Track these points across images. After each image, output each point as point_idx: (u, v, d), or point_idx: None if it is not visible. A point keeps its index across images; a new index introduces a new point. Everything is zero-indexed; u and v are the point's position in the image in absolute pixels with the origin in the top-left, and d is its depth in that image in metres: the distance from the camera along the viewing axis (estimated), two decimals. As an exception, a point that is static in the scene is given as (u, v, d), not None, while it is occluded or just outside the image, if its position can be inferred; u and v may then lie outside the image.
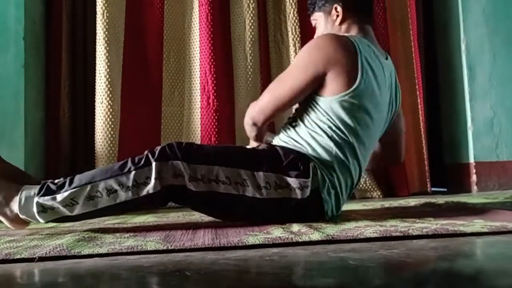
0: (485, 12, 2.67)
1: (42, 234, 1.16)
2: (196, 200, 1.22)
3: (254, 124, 1.38)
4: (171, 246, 0.90)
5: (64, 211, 1.15)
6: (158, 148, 1.20)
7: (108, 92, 2.18)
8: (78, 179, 1.17)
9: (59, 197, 1.14)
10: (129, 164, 1.17)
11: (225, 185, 1.18)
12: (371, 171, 2.44)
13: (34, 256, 0.83)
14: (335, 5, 1.41)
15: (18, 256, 0.84)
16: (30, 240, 1.05)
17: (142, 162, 1.17)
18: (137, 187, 1.15)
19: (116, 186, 1.15)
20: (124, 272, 0.72)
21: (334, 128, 1.28)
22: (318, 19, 1.46)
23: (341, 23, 1.41)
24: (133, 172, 1.15)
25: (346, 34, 1.36)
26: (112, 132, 2.18)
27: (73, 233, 1.15)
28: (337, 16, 1.41)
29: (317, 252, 0.83)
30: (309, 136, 1.30)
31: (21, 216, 1.17)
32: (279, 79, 1.38)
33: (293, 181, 1.21)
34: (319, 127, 1.29)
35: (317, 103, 1.30)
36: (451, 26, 2.76)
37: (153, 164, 1.16)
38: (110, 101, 2.18)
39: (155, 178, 1.15)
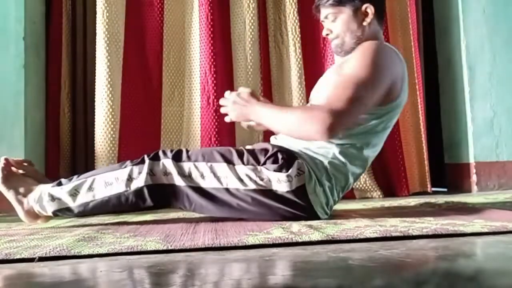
0: (485, 12, 2.66)
1: (42, 234, 1.16)
2: (189, 198, 1.27)
3: (331, 131, 1.19)
4: (171, 246, 0.90)
5: (68, 200, 1.29)
6: (155, 152, 1.33)
7: (108, 92, 2.18)
8: (84, 174, 1.34)
9: (66, 187, 1.30)
10: (127, 162, 1.31)
11: (209, 180, 1.26)
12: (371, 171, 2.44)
13: (34, 256, 0.84)
14: (368, 4, 1.36)
15: (18, 256, 0.84)
16: (30, 240, 1.05)
17: (139, 160, 1.30)
18: (130, 181, 1.27)
19: (112, 179, 1.28)
20: (124, 272, 0.72)
21: (347, 134, 1.30)
22: (341, 14, 1.37)
23: (369, 24, 1.37)
24: (129, 168, 1.28)
25: (390, 46, 1.37)
26: (112, 132, 2.18)
27: (73, 233, 1.15)
28: (366, 15, 1.37)
29: (317, 252, 0.83)
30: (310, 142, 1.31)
31: (35, 208, 1.33)
32: (359, 80, 1.23)
33: (270, 174, 1.24)
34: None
35: None
36: (451, 26, 2.76)
37: (147, 161, 1.28)
38: (110, 101, 2.18)
39: (147, 173, 1.26)
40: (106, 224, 1.37)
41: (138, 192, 1.26)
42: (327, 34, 1.42)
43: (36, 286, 0.67)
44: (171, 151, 1.31)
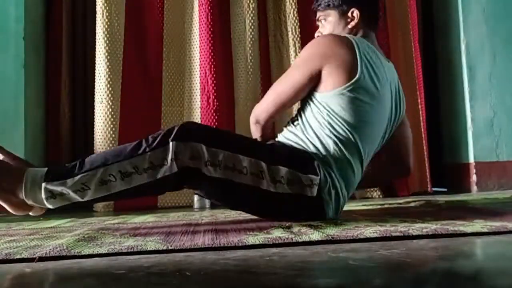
0: (485, 12, 2.67)
1: (42, 234, 1.15)
2: (210, 186, 1.21)
3: (257, 122, 1.41)
4: (171, 246, 0.90)
5: (75, 197, 1.11)
6: (175, 127, 1.16)
7: (108, 92, 2.18)
8: (89, 162, 1.13)
9: (70, 181, 1.10)
10: (144, 145, 1.13)
11: (241, 175, 1.16)
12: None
13: (34, 256, 0.83)
14: (354, 9, 1.41)
15: (18, 256, 0.84)
16: (30, 240, 1.05)
17: (157, 142, 1.13)
18: (153, 169, 1.11)
19: (130, 169, 1.10)
20: (124, 272, 0.72)
21: (334, 125, 1.28)
22: (329, 17, 1.45)
23: (353, 27, 1.42)
24: (148, 153, 1.11)
25: (347, 35, 1.37)
26: (112, 132, 2.18)
27: (73, 233, 1.15)
28: (352, 19, 1.42)
29: (317, 252, 0.83)
30: (311, 133, 1.30)
31: (28, 202, 1.13)
32: (281, 78, 1.40)
33: (304, 178, 1.21)
34: (319, 123, 1.30)
35: (316, 99, 1.31)
36: (451, 26, 2.76)
37: (170, 144, 1.12)
38: (110, 101, 2.18)
39: (172, 159, 1.11)
40: (106, 224, 1.37)
41: (164, 179, 1.12)
42: (318, 36, 1.47)
43: (37, 286, 0.67)
44: (198, 128, 1.20)
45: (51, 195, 1.11)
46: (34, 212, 1.19)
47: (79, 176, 1.10)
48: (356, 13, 1.41)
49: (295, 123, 1.36)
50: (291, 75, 1.36)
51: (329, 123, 1.29)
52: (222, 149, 1.16)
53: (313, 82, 1.31)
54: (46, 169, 1.14)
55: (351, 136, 1.29)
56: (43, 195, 1.11)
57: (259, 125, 1.42)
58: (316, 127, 1.30)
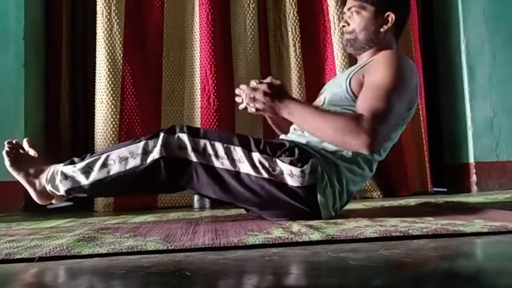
0: (485, 12, 2.67)
1: (42, 234, 1.15)
2: (198, 176, 1.26)
3: (375, 149, 1.24)
4: (171, 246, 0.90)
5: (81, 178, 1.28)
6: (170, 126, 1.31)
7: (108, 92, 2.18)
8: (97, 152, 1.35)
9: (79, 165, 1.29)
10: (141, 137, 1.30)
11: (222, 160, 1.25)
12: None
13: (34, 256, 0.83)
14: (390, 12, 1.38)
15: (18, 256, 0.84)
16: (30, 240, 1.05)
17: (152, 134, 1.28)
18: (145, 154, 1.25)
19: (127, 154, 1.26)
20: (124, 272, 0.72)
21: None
22: (364, 11, 1.39)
23: (385, 31, 1.40)
24: (143, 142, 1.27)
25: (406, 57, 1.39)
26: (112, 132, 2.18)
27: (73, 233, 1.15)
28: (386, 23, 1.39)
29: (317, 252, 0.83)
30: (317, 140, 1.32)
31: (47, 188, 1.33)
32: (390, 90, 1.24)
33: (284, 166, 1.24)
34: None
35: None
36: (451, 26, 2.76)
37: (161, 135, 1.26)
38: (110, 101, 2.18)
39: (161, 146, 1.24)
40: (106, 224, 1.37)
41: (154, 165, 1.24)
42: (344, 26, 1.44)
43: (36, 286, 0.67)
44: (187, 126, 1.29)
45: (64, 176, 1.30)
46: (55, 201, 1.39)
47: (87, 161, 1.29)
48: (392, 17, 1.38)
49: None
50: (397, 94, 1.25)
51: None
52: (204, 139, 1.26)
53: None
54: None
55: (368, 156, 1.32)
56: (58, 178, 1.30)
57: (369, 150, 1.22)
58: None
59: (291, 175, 1.23)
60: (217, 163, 1.25)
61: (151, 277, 0.69)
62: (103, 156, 1.28)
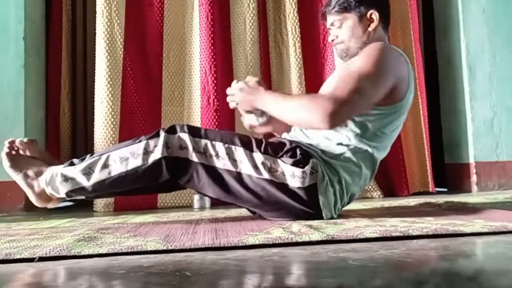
0: (485, 12, 2.67)
1: (42, 234, 1.16)
2: (198, 176, 1.25)
3: (334, 122, 1.21)
4: (171, 246, 0.90)
5: (82, 180, 1.25)
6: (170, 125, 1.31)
7: (108, 92, 2.18)
8: (97, 152, 1.32)
9: (79, 166, 1.27)
10: (142, 137, 1.29)
11: (223, 161, 1.25)
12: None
13: (34, 256, 0.84)
14: (373, 10, 1.37)
15: (18, 256, 0.84)
16: (30, 240, 1.05)
17: (153, 134, 1.27)
18: (146, 154, 1.24)
19: (128, 154, 1.25)
20: (124, 272, 0.72)
21: (357, 134, 1.30)
22: (347, 20, 1.38)
23: (373, 30, 1.38)
24: (144, 141, 1.26)
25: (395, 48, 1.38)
26: (112, 132, 2.18)
27: (73, 233, 1.15)
28: (371, 21, 1.38)
29: (317, 252, 0.83)
30: (324, 137, 1.32)
31: (47, 191, 1.29)
32: (363, 74, 1.24)
33: (286, 167, 1.24)
34: (340, 132, 1.31)
35: None
36: (451, 26, 2.76)
37: (162, 134, 1.25)
38: (110, 101, 2.18)
39: (163, 146, 1.23)
40: (106, 224, 1.37)
41: (155, 164, 1.23)
42: (333, 40, 1.43)
43: (36, 286, 0.67)
44: (188, 125, 1.29)
45: (64, 178, 1.27)
46: (53, 204, 1.36)
47: (87, 162, 1.27)
48: (375, 14, 1.37)
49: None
50: (377, 77, 1.26)
51: (354, 134, 1.30)
52: (205, 139, 1.26)
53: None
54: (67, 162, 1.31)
55: (368, 149, 1.32)
56: (58, 180, 1.27)
57: (328, 124, 1.21)
58: (334, 134, 1.31)
59: (292, 176, 1.23)
60: (218, 164, 1.25)
61: (151, 277, 0.69)
62: (104, 157, 1.26)
